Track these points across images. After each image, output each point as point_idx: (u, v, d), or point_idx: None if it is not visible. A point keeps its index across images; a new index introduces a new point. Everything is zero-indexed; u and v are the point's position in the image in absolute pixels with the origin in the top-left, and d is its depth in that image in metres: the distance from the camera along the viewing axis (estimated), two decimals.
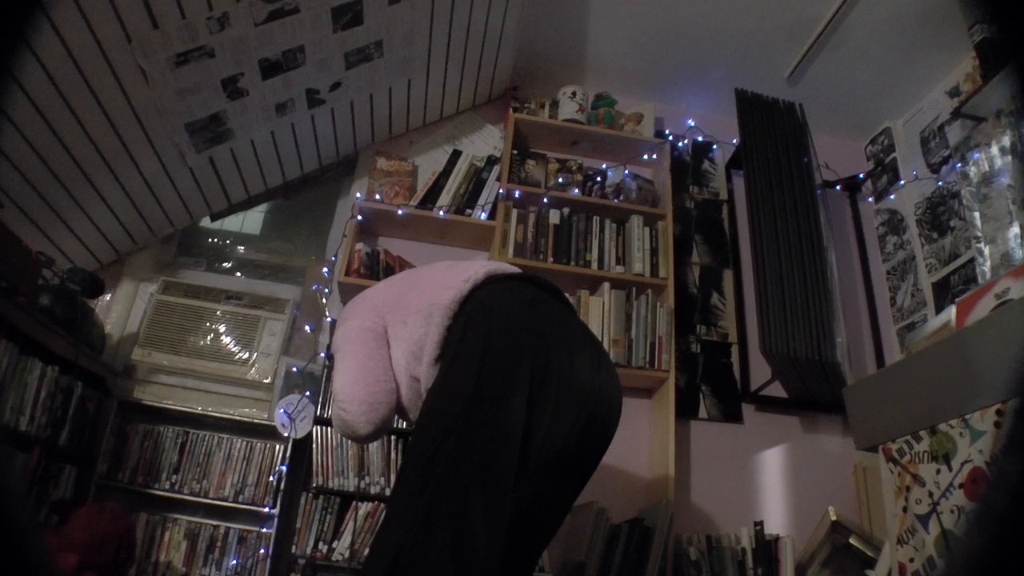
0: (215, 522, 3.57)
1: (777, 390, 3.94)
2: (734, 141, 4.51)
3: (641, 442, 3.85)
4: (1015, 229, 3.57)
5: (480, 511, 1.67)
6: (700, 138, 4.70)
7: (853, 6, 3.95)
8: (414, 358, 2.04)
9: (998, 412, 3.01)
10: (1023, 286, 3.16)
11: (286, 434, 3.49)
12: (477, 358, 1.82)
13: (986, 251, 3.73)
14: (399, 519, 1.71)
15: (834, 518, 3.51)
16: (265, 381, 3.80)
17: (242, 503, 3.56)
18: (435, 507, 1.66)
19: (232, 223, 4.43)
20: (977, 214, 3.83)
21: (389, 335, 2.17)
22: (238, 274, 4.27)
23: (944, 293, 3.96)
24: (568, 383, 1.92)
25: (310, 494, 3.40)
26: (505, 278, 2.12)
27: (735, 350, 4.18)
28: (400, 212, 3.98)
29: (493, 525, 1.69)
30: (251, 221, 4.49)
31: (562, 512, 2.16)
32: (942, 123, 4.25)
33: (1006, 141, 3.74)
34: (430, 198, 4.09)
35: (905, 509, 3.37)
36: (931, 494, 3.25)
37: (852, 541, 3.43)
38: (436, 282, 2.10)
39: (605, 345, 3.65)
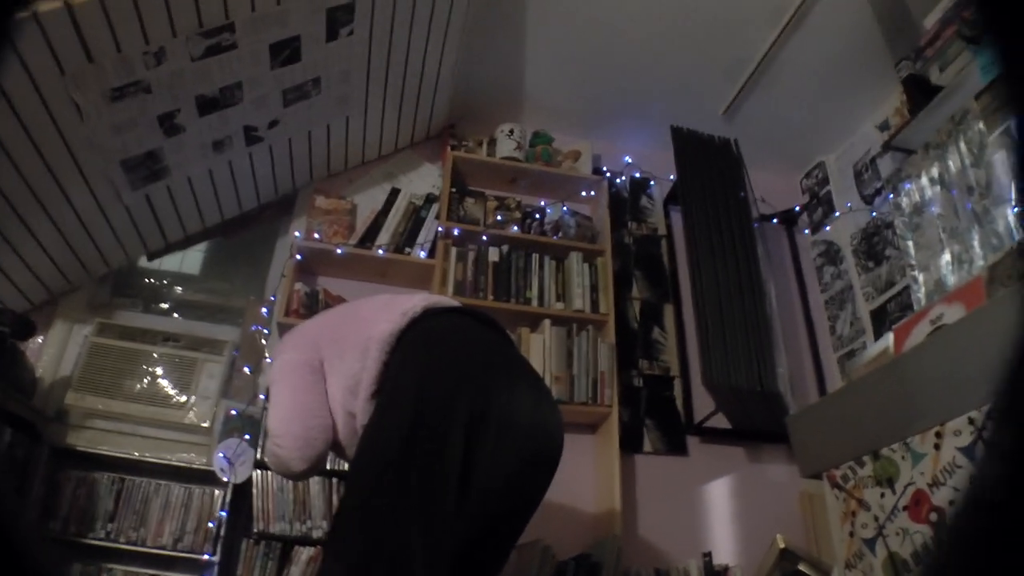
0: (153, 571, 3.44)
1: (721, 421, 3.96)
2: (671, 177, 4.56)
3: (586, 477, 3.82)
4: (946, 257, 3.66)
5: (420, 550, 1.64)
6: (637, 174, 4.76)
7: (785, 45, 4.06)
8: (350, 393, 2.01)
9: (937, 435, 3.06)
10: (957, 311, 3.23)
11: (225, 479, 3.40)
12: (413, 394, 1.81)
13: (920, 278, 3.82)
14: (339, 555, 1.67)
15: (782, 546, 3.51)
16: (203, 425, 3.70)
17: (181, 551, 3.44)
18: (375, 546, 1.63)
19: (170, 263, 4.33)
20: (910, 243, 3.93)
21: (325, 369, 2.14)
22: (175, 315, 4.18)
23: (882, 320, 4.03)
24: (508, 418, 1.89)
25: (251, 540, 3.32)
26: (443, 311, 2.11)
27: (678, 383, 4.20)
28: (339, 251, 3.95)
29: (433, 565, 1.65)
30: (189, 261, 4.41)
31: (506, 551, 2.10)
32: (873, 156, 4.37)
33: (935, 172, 3.85)
34: (369, 237, 4.07)
35: (852, 534, 3.39)
36: (876, 518, 3.28)
37: (801, 568, 3.44)
38: (373, 316, 2.09)
39: (547, 381, 3.64)
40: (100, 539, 3.41)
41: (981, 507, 0.49)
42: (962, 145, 3.68)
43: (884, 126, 4.33)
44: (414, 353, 1.92)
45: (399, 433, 1.76)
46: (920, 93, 3.79)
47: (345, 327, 2.16)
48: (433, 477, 1.72)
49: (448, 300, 2.19)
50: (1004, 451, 0.48)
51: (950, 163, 3.75)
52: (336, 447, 2.13)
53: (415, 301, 2.08)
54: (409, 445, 1.74)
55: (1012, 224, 3.35)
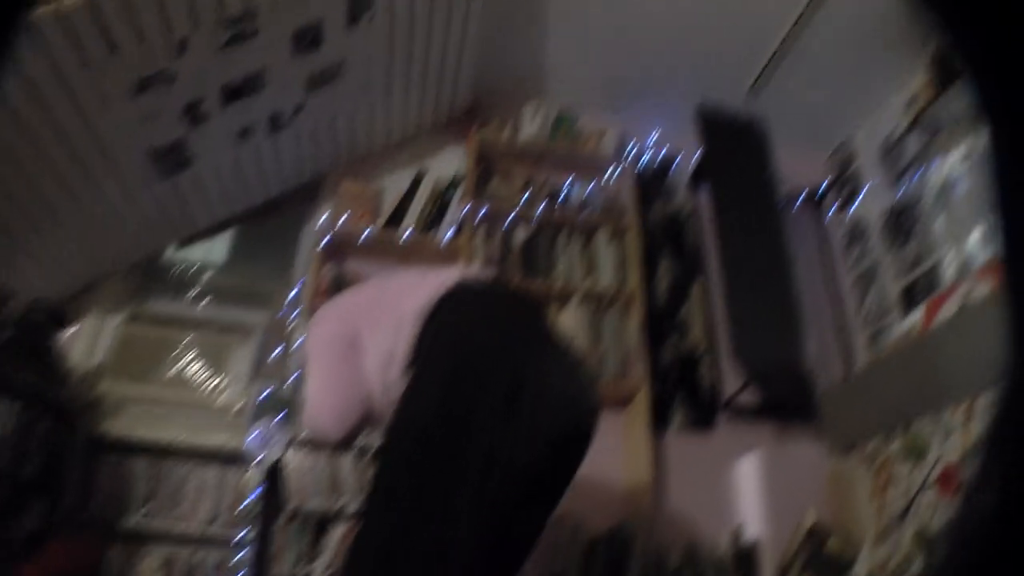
0: (191, 551, 3.50)
1: (750, 398, 3.96)
2: (697, 154, 4.54)
3: (615, 454, 3.84)
4: (976, 234, 3.63)
5: (453, 524, 1.65)
6: (663, 152, 4.73)
7: (811, 20, 4.01)
8: (385, 367, 2.02)
9: (967, 409, 3.05)
10: (986, 287, 3.21)
11: (258, 459, 3.45)
12: (447, 367, 1.81)
13: (949, 256, 3.78)
14: (381, 520, 1.68)
15: (812, 523, 3.52)
16: (235, 407, 3.76)
17: (217, 530, 3.51)
18: (408, 518, 1.64)
19: (199, 251, 4.39)
20: (939, 221, 3.89)
21: (361, 342, 2.15)
22: (205, 301, 4.23)
23: (910, 298, 4.00)
24: (543, 391, 1.88)
25: (285, 517, 3.37)
26: (476, 285, 2.11)
27: (706, 360, 4.19)
28: (365, 235, 3.98)
29: (465, 540, 1.66)
30: (218, 248, 4.46)
31: (540, 526, 2.08)
32: (902, 133, 4.31)
33: (964, 149, 3.81)
34: (395, 219, 4.10)
35: (881, 510, 3.39)
36: (906, 493, 3.27)
37: (830, 545, 3.44)
38: (407, 290, 2.10)
39: None
40: (137, 522, 3.48)
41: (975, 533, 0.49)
42: None
43: (913, 102, 4.27)
44: (448, 326, 1.92)
45: (433, 406, 1.77)
46: (948, 68, 3.75)
47: (380, 301, 2.18)
48: (467, 450, 1.72)
49: (481, 274, 2.20)
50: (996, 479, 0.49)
51: (979, 139, 3.71)
52: (372, 420, 2.14)
53: (448, 275, 2.09)
54: (443, 418, 1.74)
55: None
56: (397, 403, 1.90)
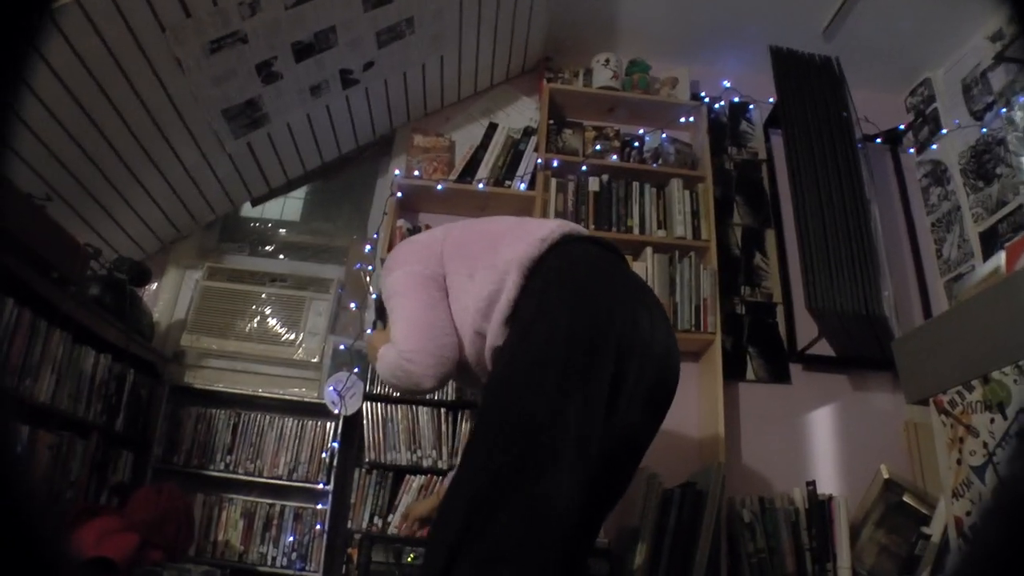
0: (270, 500, 3.62)
1: (824, 348, 3.91)
2: (771, 100, 4.44)
3: (690, 406, 3.84)
4: None
5: (567, 467, 1.63)
6: (736, 99, 4.64)
7: None
8: (481, 314, 1.97)
9: None
10: None
11: (336, 411, 3.53)
12: (564, 319, 1.77)
13: None
14: (481, 467, 1.66)
15: (887, 476, 3.48)
16: (313, 360, 3.84)
17: (296, 481, 3.62)
18: (523, 459, 1.62)
19: (272, 208, 4.47)
20: (1022, 160, 3.76)
21: (448, 284, 2.12)
22: (281, 256, 4.31)
23: (992, 242, 3.89)
24: (648, 347, 1.88)
25: (363, 470, 3.45)
26: (579, 238, 2.05)
27: (780, 310, 4.15)
28: (439, 187, 3.99)
29: (577, 483, 1.65)
30: (291, 206, 4.53)
31: (629, 477, 2.08)
32: (984, 69, 4.15)
33: None
34: (468, 172, 4.10)
35: (960, 462, 3.33)
36: (986, 444, 3.22)
37: (906, 499, 3.41)
38: (508, 236, 2.03)
39: None
40: (219, 471, 3.61)
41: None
42: None
43: (997, 36, 4.10)
44: (559, 278, 1.87)
45: (550, 357, 1.72)
46: None
47: (473, 245, 2.12)
48: (586, 402, 1.69)
49: (581, 228, 2.14)
50: None
51: None
52: (460, 367, 2.10)
53: (552, 227, 2.02)
54: (561, 370, 1.70)
55: None
56: (503, 352, 1.86)
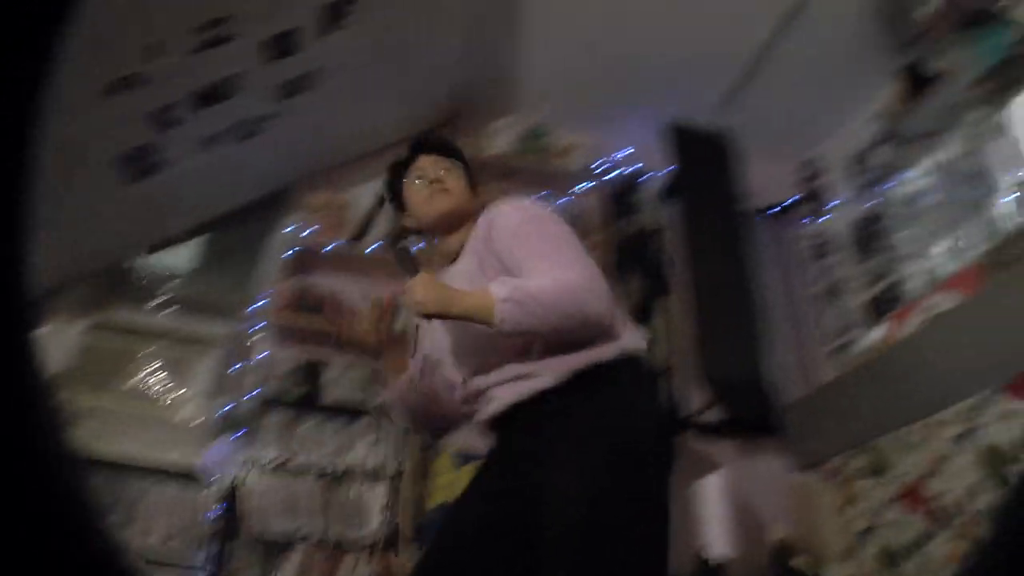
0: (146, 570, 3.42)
1: (714, 414, 3.96)
2: (667, 170, 4.56)
3: None
4: (941, 247, 3.67)
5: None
6: (633, 168, 4.74)
7: (782, 35, 4.06)
8: None
9: (931, 425, 3.08)
10: (952, 299, 3.25)
11: (216, 478, 3.37)
12: None
13: (913, 269, 3.82)
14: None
15: (778, 539, 3.52)
16: (195, 423, 3.68)
17: (172, 551, 3.43)
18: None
19: (166, 258, 4.31)
20: (904, 234, 3.94)
21: None
22: (170, 310, 4.15)
23: (874, 313, 4.02)
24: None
25: (242, 539, 3.28)
26: None
27: (671, 377, 4.18)
28: (332, 247, 3.96)
29: None
30: (185, 256, 4.38)
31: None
32: (869, 146, 4.36)
33: (930, 162, 3.86)
34: (362, 232, 4.06)
35: (846, 527, 3.40)
36: (869, 510, 3.29)
37: (796, 562, 3.44)
38: None
39: None
40: None
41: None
42: (958, 134, 3.69)
43: (881, 116, 4.31)
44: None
45: None
46: (916, 82, 3.79)
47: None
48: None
49: None
50: None
51: (945, 152, 3.76)
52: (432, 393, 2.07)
53: None
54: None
55: (1007, 211, 3.35)
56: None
